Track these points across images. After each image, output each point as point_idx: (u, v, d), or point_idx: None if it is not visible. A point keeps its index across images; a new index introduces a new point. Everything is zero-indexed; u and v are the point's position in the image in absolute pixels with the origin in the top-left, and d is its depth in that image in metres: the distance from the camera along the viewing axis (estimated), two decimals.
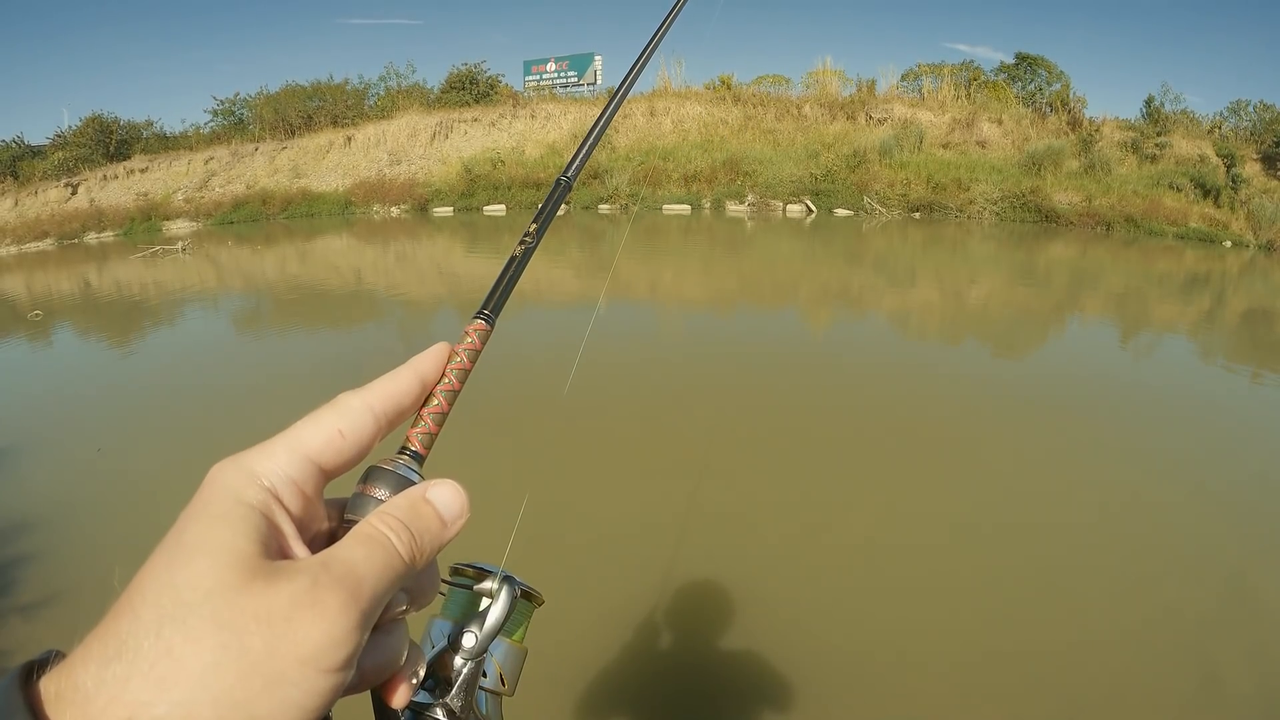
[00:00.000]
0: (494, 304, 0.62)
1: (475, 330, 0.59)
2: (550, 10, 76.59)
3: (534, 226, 0.68)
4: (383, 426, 0.50)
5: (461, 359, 0.56)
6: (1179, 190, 20.60)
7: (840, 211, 22.13)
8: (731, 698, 3.24)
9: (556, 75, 31.12)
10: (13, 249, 22.23)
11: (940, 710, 3.18)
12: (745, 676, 3.36)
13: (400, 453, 0.52)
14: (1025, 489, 5.15)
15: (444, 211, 24.46)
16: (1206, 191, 20.44)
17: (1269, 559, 4.32)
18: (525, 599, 0.60)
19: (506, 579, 0.59)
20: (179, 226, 24.33)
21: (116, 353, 9.97)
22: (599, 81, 30.69)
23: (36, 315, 11.93)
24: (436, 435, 0.53)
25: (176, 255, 18.16)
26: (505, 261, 0.65)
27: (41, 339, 10.67)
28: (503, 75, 31.85)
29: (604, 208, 23.35)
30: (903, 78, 29.45)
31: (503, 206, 24.15)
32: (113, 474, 5.66)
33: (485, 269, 15.49)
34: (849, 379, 7.64)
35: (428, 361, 0.54)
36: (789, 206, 22.79)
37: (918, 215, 21.65)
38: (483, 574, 0.58)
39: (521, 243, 0.67)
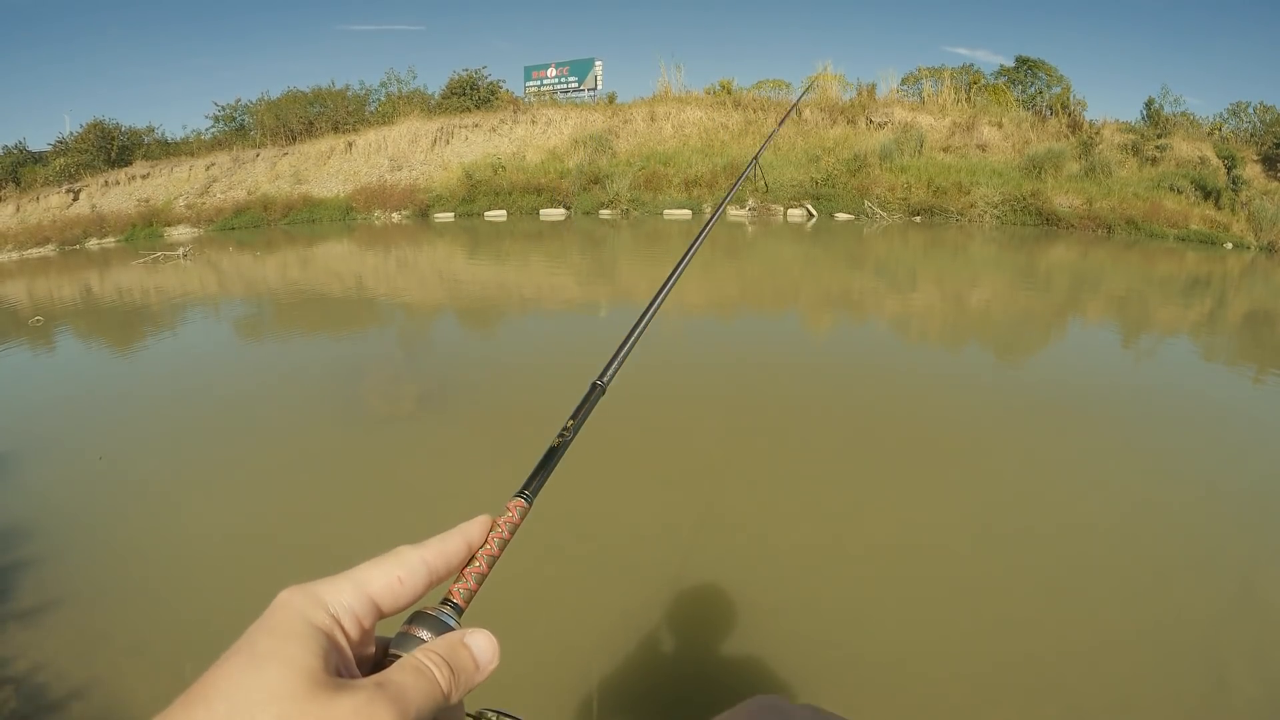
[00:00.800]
0: (534, 486, 0.70)
1: (516, 507, 0.66)
2: (551, 15, 76.61)
3: (571, 422, 0.77)
4: (433, 579, 0.58)
5: (502, 530, 0.64)
6: (1179, 192, 20.61)
7: (841, 216, 22.15)
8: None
9: (557, 80, 31.12)
10: (14, 255, 22.23)
11: (952, 715, 3.18)
12: (753, 681, 3.35)
13: (443, 603, 0.58)
14: (1035, 493, 5.14)
15: (445, 217, 24.47)
16: (1207, 193, 20.46)
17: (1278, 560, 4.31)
18: None
19: None
20: (180, 232, 24.35)
21: (117, 359, 9.97)
22: (599, 86, 30.71)
23: (37, 321, 11.92)
24: (475, 592, 0.60)
25: (178, 261, 18.16)
26: (545, 450, 0.74)
27: (42, 344, 10.67)
28: (504, 81, 31.90)
29: (605, 213, 23.37)
30: (903, 81, 29.56)
31: (504, 212, 24.15)
32: (112, 480, 5.65)
33: (487, 274, 15.51)
34: (853, 384, 7.64)
35: (474, 529, 0.62)
36: (790, 211, 22.79)
37: (918, 219, 21.67)
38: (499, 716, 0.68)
39: (560, 436, 0.76)
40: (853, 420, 6.52)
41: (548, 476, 0.72)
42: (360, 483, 5.45)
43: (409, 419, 6.79)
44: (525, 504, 0.67)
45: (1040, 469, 5.53)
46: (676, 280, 1.05)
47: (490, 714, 0.67)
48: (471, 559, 0.61)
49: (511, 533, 0.64)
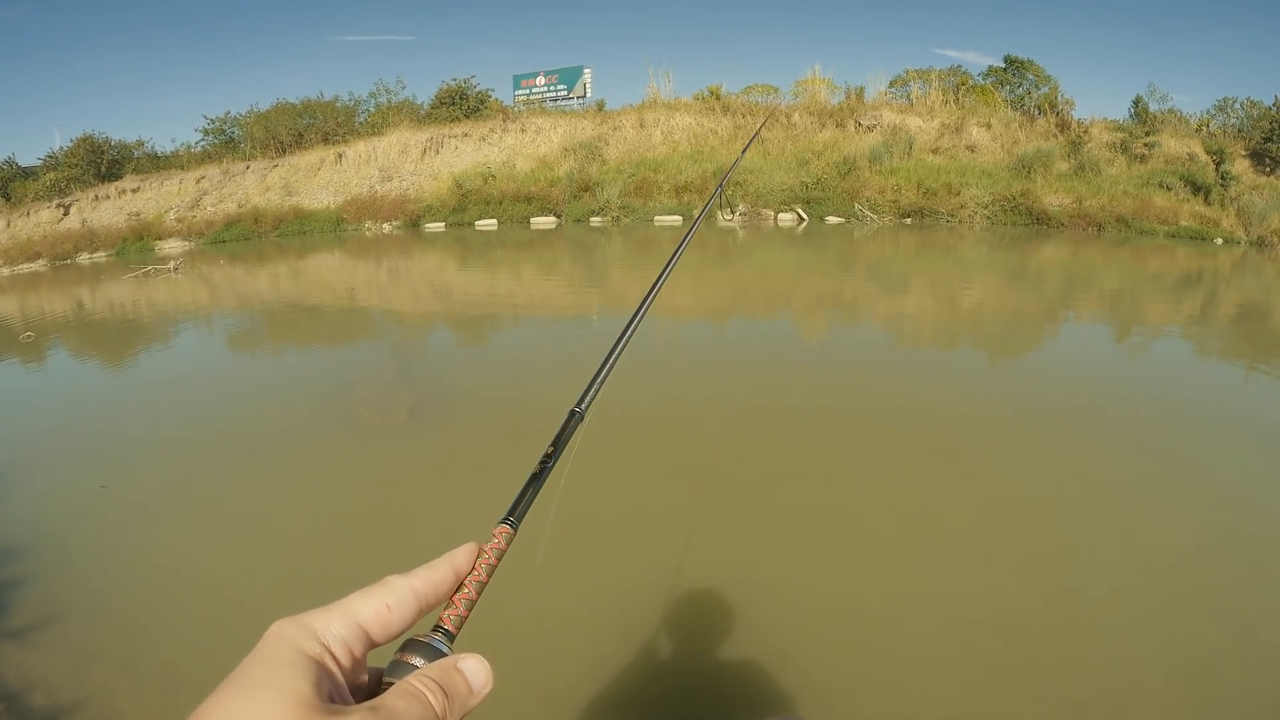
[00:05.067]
0: (518, 512, 0.70)
1: (501, 533, 0.67)
2: (540, 24, 76.73)
3: (551, 449, 0.79)
4: (422, 607, 0.59)
5: (489, 557, 0.65)
6: (1169, 189, 20.69)
7: (832, 219, 22.19)
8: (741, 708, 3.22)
9: (546, 89, 31.15)
10: (5, 270, 22.16)
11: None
12: (755, 693, 3.34)
13: (434, 630, 0.60)
14: (1033, 494, 5.14)
15: (436, 227, 24.46)
16: (1196, 189, 20.54)
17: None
18: None
19: None
20: (171, 246, 24.31)
21: (109, 374, 9.93)
22: (588, 94, 30.74)
23: (28, 337, 11.88)
24: (466, 619, 0.61)
25: (169, 275, 18.12)
26: (528, 478, 0.74)
27: (34, 360, 10.63)
28: (493, 90, 31.93)
29: (595, 220, 23.39)
30: (891, 84, 29.61)
31: (494, 221, 24.14)
32: (104, 497, 5.62)
33: (478, 284, 15.49)
34: (850, 385, 7.63)
35: (461, 556, 0.63)
36: (780, 215, 22.83)
37: (909, 221, 21.72)
38: None
39: (541, 463, 0.77)
40: (849, 422, 6.51)
41: (532, 502, 0.72)
42: (351, 496, 5.43)
43: (400, 430, 6.77)
44: (511, 530, 0.68)
45: (1036, 469, 5.53)
46: (647, 309, 1.05)
47: None
48: (460, 586, 0.62)
49: (499, 559, 0.65)
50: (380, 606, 0.56)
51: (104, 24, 59.76)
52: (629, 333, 0.96)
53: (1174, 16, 52.87)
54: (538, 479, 0.75)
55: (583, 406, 0.86)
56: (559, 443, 0.80)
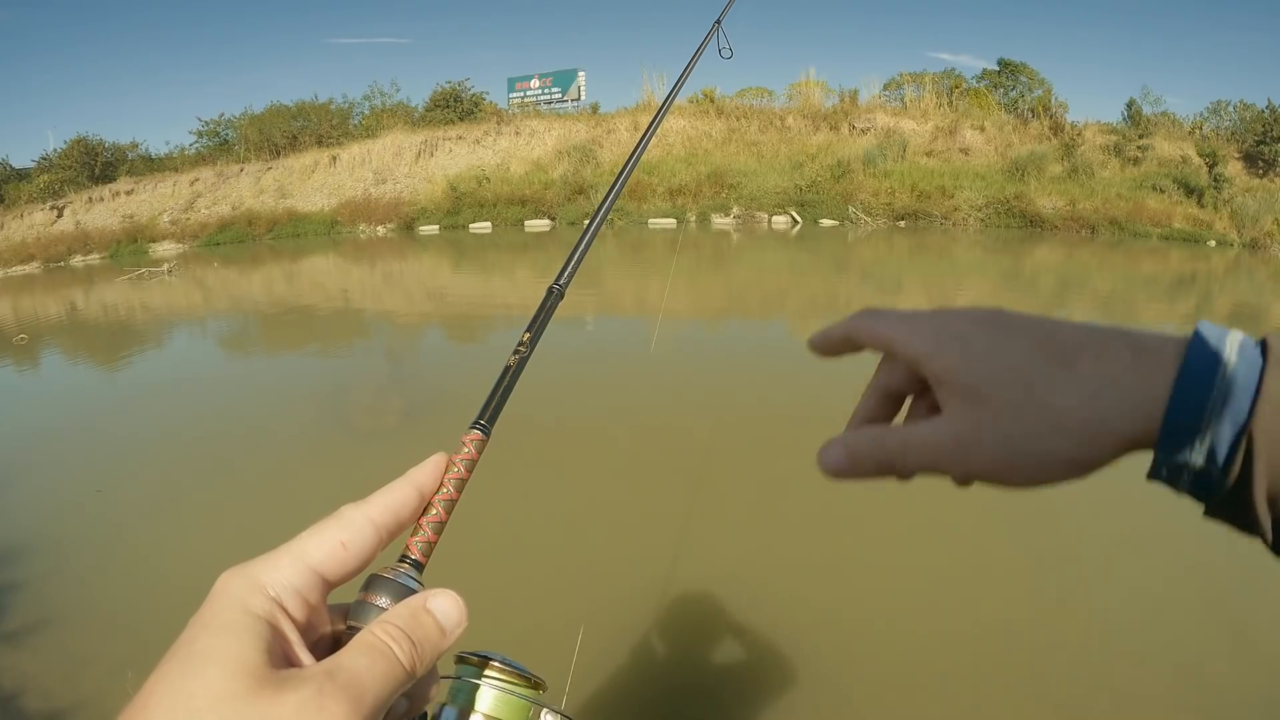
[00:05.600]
0: (489, 414, 0.64)
1: (471, 440, 0.61)
2: (535, 27, 76.81)
3: (527, 335, 0.71)
4: (383, 537, 0.53)
5: (459, 469, 0.58)
6: (1162, 192, 20.74)
7: (825, 222, 22.20)
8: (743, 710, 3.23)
9: (540, 92, 31.14)
10: None
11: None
12: (752, 691, 3.34)
13: (400, 561, 0.54)
14: (1031, 497, 5.13)
15: (430, 230, 24.42)
16: (1190, 192, 20.59)
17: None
18: (528, 686, 0.60)
19: (504, 669, 0.60)
20: (165, 249, 24.24)
21: (102, 377, 9.91)
22: (582, 97, 30.75)
23: (22, 339, 11.84)
24: (435, 543, 0.55)
25: (163, 278, 18.09)
26: (501, 371, 0.67)
27: (27, 363, 10.60)
28: (487, 93, 31.93)
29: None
30: (885, 87, 29.66)
31: (489, 224, 24.11)
32: (97, 499, 5.60)
33: (472, 286, 15.49)
34: (847, 389, 7.63)
35: (425, 473, 0.57)
36: (774, 218, 22.84)
37: (903, 224, 21.74)
38: (485, 661, 0.59)
39: (516, 352, 0.69)
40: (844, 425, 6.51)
41: (505, 401, 0.66)
42: (346, 499, 5.31)
43: (394, 433, 6.76)
44: (482, 435, 0.62)
45: None
46: (621, 187, 1.01)
47: (471, 656, 0.62)
48: (428, 507, 0.56)
49: (469, 470, 0.59)
50: (334, 545, 0.50)
51: (98, 26, 59.87)
52: (607, 204, 0.93)
53: (1167, 20, 53.18)
54: (511, 371, 0.68)
55: (561, 283, 0.80)
56: (535, 326, 0.73)
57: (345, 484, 5.61)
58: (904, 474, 0.55)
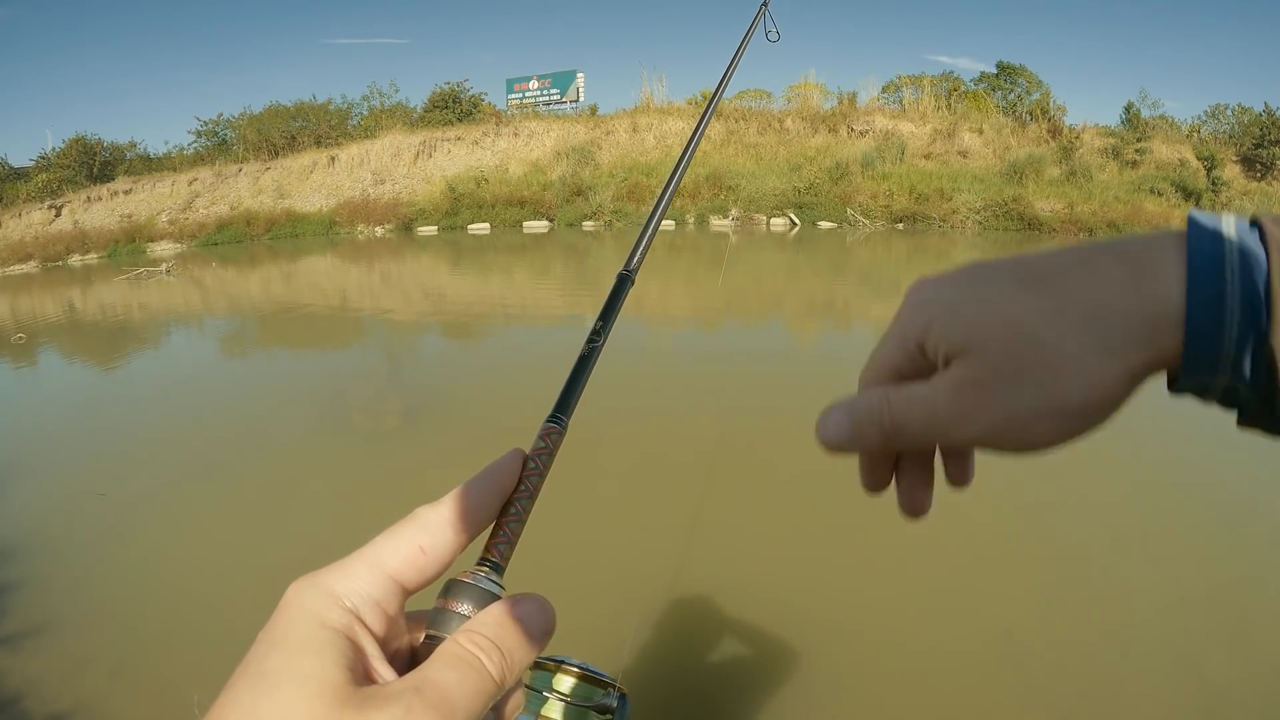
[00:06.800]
0: (566, 407, 0.61)
1: (548, 434, 0.58)
2: (534, 26, 76.84)
3: (600, 324, 0.68)
4: (463, 540, 0.50)
5: (537, 465, 0.55)
6: (1160, 195, 20.77)
7: (824, 224, 22.21)
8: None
9: (539, 93, 31.14)
10: None
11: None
12: (750, 695, 3.34)
13: (480, 564, 0.51)
14: (1027, 502, 5.15)
15: (428, 231, 24.43)
16: (1188, 195, 20.62)
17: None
18: (597, 684, 0.58)
19: (588, 679, 0.58)
20: (163, 248, 24.25)
21: (100, 377, 9.89)
22: (581, 99, 30.76)
23: (20, 338, 11.83)
24: (515, 544, 0.53)
25: (161, 277, 18.08)
26: (575, 363, 0.64)
27: (25, 362, 10.59)
28: (485, 94, 31.95)
29: (588, 225, 23.36)
30: (883, 90, 29.67)
31: (487, 225, 24.13)
32: (95, 500, 5.60)
33: (470, 288, 15.48)
34: (844, 391, 7.62)
35: (503, 470, 0.54)
36: (773, 220, 22.86)
37: (901, 226, 21.75)
38: (559, 666, 0.58)
39: (589, 342, 0.66)
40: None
41: (580, 392, 0.63)
42: (345, 500, 5.41)
43: (394, 435, 6.75)
44: (559, 428, 0.58)
45: (1032, 474, 5.53)
46: (684, 171, 0.98)
47: (548, 663, 0.59)
48: (507, 505, 0.53)
49: (547, 466, 0.56)
50: (412, 549, 0.47)
51: (96, 25, 59.86)
52: (669, 191, 0.88)
53: (1165, 23, 53.28)
54: (586, 361, 0.65)
55: (631, 269, 0.76)
56: (608, 315, 0.70)
57: (345, 485, 5.63)
58: (908, 443, 0.52)
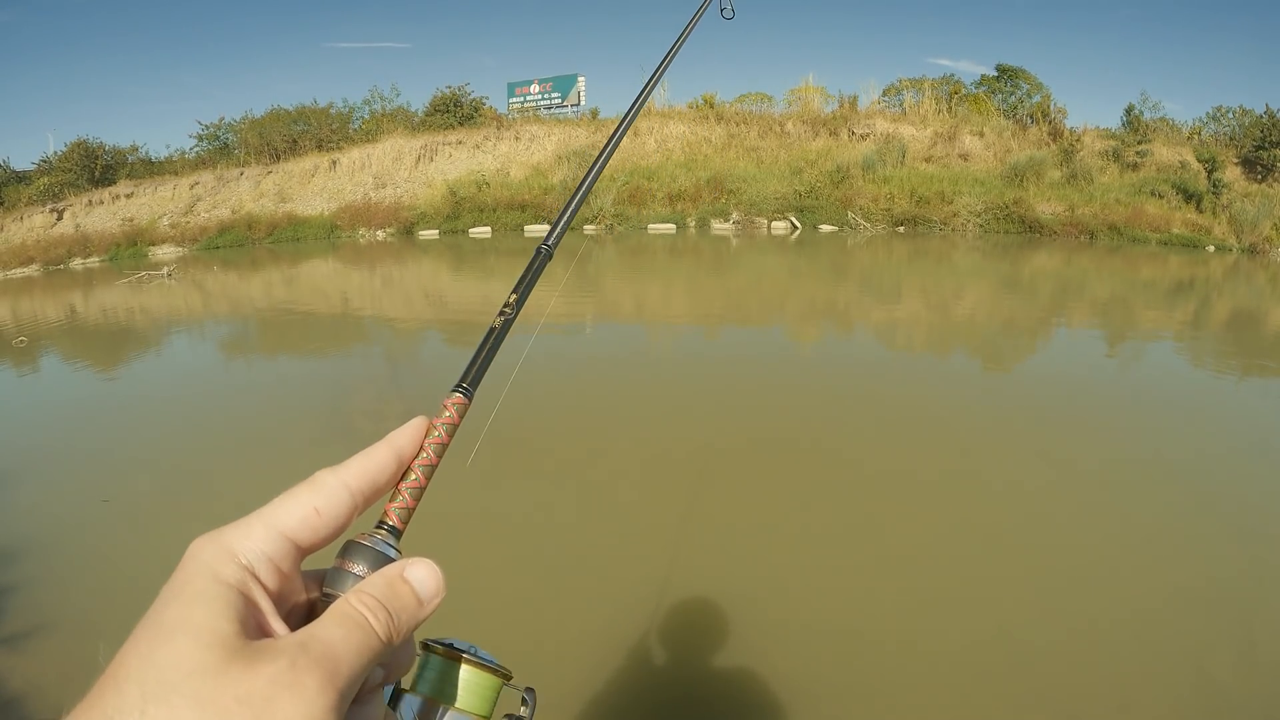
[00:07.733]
0: (472, 377, 0.63)
1: (453, 404, 0.59)
2: (535, 31, 76.89)
3: (513, 297, 0.69)
4: (359, 504, 0.52)
5: (439, 433, 0.56)
6: (1161, 197, 20.79)
7: (825, 227, 22.22)
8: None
9: (540, 97, 31.19)
10: None
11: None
12: (749, 699, 3.34)
13: (378, 528, 0.52)
14: (1032, 500, 5.14)
15: (429, 234, 24.44)
16: (1188, 197, 20.64)
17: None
18: (493, 675, 0.58)
19: (473, 659, 0.57)
20: (165, 252, 24.25)
21: (102, 380, 9.89)
22: (582, 102, 30.82)
23: (21, 342, 11.82)
24: (414, 510, 0.54)
25: (162, 281, 18.08)
26: (484, 334, 0.65)
27: (26, 366, 10.59)
28: (487, 98, 31.99)
29: (589, 228, 23.36)
30: (884, 93, 29.76)
31: (488, 229, 24.14)
32: (95, 503, 5.59)
33: (471, 291, 15.48)
34: (844, 392, 7.63)
35: (404, 437, 0.55)
36: (774, 223, 22.86)
37: (902, 229, 21.76)
38: (452, 651, 0.57)
39: (501, 314, 0.68)
40: (845, 429, 6.52)
41: (489, 364, 0.65)
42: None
43: None
44: (465, 399, 0.60)
45: (1033, 476, 5.53)
46: (616, 144, 0.99)
47: (437, 645, 0.59)
48: (406, 472, 0.55)
49: (450, 435, 0.57)
50: (307, 510, 0.49)
51: (98, 29, 59.87)
52: (596, 168, 0.90)
53: (1166, 26, 53.28)
54: (496, 334, 0.67)
55: (549, 243, 0.78)
56: (522, 288, 0.71)
57: None
58: None
